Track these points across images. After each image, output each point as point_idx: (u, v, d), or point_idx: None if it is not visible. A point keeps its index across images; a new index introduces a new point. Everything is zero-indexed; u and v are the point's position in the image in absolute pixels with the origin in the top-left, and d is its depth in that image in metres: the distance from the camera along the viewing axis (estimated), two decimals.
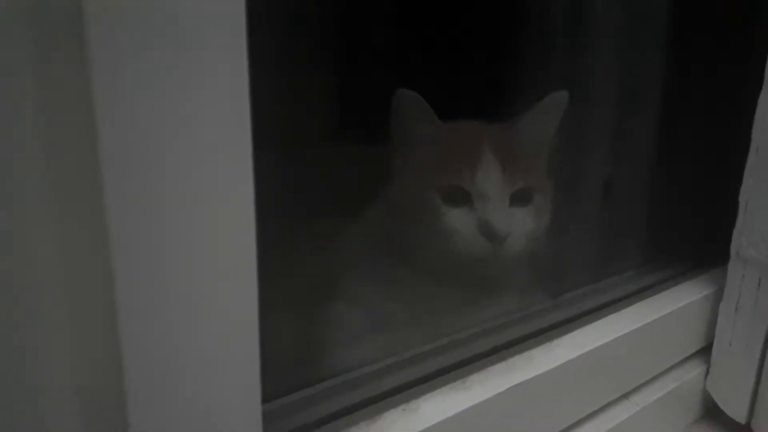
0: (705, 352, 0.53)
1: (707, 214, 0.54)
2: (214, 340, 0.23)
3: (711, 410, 0.54)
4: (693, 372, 0.52)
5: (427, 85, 0.45)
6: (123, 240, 0.20)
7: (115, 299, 0.20)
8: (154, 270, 0.20)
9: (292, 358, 0.38)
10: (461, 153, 0.43)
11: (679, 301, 0.50)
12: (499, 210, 0.41)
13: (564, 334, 0.42)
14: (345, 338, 0.41)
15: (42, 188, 0.20)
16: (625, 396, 0.47)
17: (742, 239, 0.48)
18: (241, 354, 0.24)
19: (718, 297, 0.51)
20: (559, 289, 0.47)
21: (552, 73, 0.57)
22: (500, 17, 0.58)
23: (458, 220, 0.42)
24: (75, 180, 0.20)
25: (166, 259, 0.20)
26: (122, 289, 0.20)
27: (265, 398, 0.26)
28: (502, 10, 0.58)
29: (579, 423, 0.42)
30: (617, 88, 0.58)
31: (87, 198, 0.20)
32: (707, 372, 0.52)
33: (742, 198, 0.48)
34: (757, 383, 0.50)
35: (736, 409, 0.51)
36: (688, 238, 0.55)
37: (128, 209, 0.19)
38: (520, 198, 0.43)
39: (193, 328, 0.22)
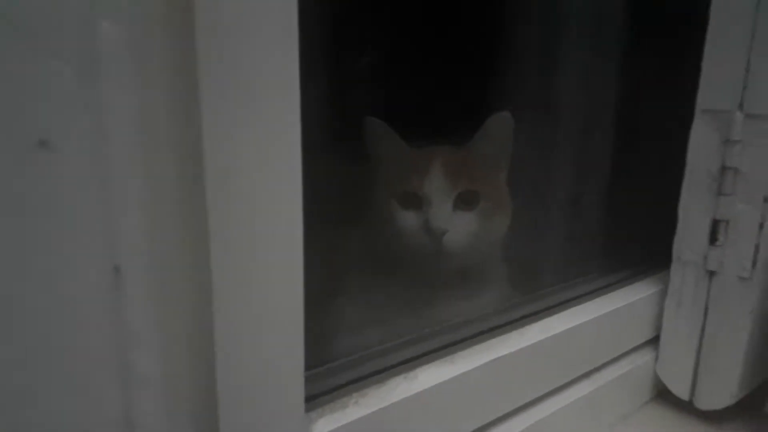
0: (655, 341, 0.63)
1: (655, 225, 0.63)
2: (281, 321, 0.32)
3: (661, 391, 0.63)
4: (645, 357, 0.62)
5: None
6: (220, 237, 0.28)
7: (211, 286, 0.29)
8: (242, 263, 0.29)
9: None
10: (416, 166, 0.53)
11: (632, 298, 0.59)
12: (440, 211, 0.51)
13: (535, 321, 0.51)
14: (350, 325, 0.51)
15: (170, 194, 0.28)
16: (586, 375, 0.56)
17: (682, 245, 0.58)
18: (292, 333, 0.32)
19: (664, 294, 0.61)
20: (532, 286, 0.57)
21: (522, 97, 0.67)
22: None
23: (408, 219, 0.52)
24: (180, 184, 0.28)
25: (251, 253, 0.29)
26: (217, 277, 0.29)
27: (306, 367, 0.34)
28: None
29: (546, 396, 0.51)
30: (578, 112, 0.68)
31: (190, 205, 0.28)
32: (657, 358, 0.62)
33: (681, 211, 0.58)
34: (696, 366, 0.59)
35: (680, 389, 0.61)
36: (640, 246, 0.65)
37: (226, 214, 0.28)
38: (465, 201, 0.53)
39: (268, 313, 0.31)
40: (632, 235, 0.66)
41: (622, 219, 0.68)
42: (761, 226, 0.53)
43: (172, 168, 0.24)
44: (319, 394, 0.38)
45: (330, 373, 0.39)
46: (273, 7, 0.25)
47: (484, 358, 0.45)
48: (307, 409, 0.35)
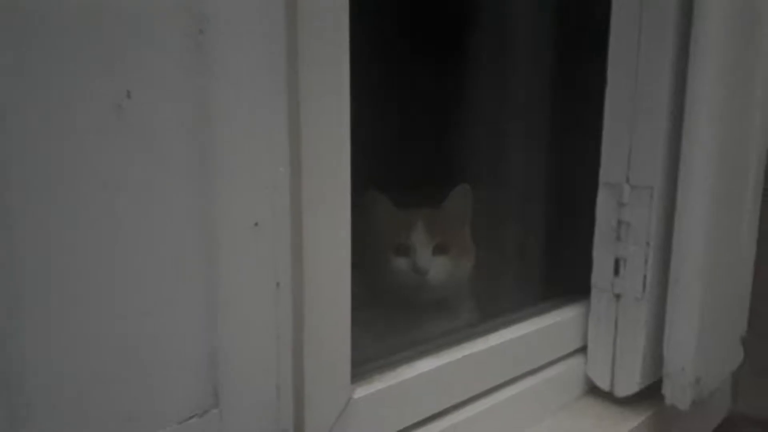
0: (585, 349, 0.85)
1: (580, 264, 0.87)
2: (338, 331, 0.52)
3: (591, 387, 0.85)
4: (578, 361, 0.83)
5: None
6: (311, 280, 0.50)
7: (303, 304, 0.50)
8: (319, 296, 0.51)
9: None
10: (404, 224, 0.75)
11: (566, 316, 0.81)
12: (423, 256, 0.74)
13: (493, 331, 0.73)
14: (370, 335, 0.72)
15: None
16: (532, 372, 0.77)
17: (596, 277, 0.81)
18: (344, 338, 0.53)
19: (588, 314, 0.83)
20: (492, 308, 0.79)
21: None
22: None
23: (400, 263, 0.74)
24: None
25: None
26: (308, 300, 0.50)
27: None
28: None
29: (503, 385, 0.72)
30: (523, 183, 0.93)
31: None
32: (586, 361, 0.84)
33: (594, 252, 0.81)
34: (613, 365, 0.81)
35: (603, 383, 0.82)
36: (572, 279, 0.89)
37: (314, 270, 0.50)
38: (440, 249, 0.75)
39: (334, 327, 0.51)
40: (565, 271, 0.90)
41: (557, 259, 0.92)
42: (646, 261, 0.77)
43: (294, 238, 0.46)
44: (357, 374, 0.58)
45: (362, 363, 0.60)
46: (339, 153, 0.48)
47: (459, 354, 0.66)
48: (352, 382, 0.56)
